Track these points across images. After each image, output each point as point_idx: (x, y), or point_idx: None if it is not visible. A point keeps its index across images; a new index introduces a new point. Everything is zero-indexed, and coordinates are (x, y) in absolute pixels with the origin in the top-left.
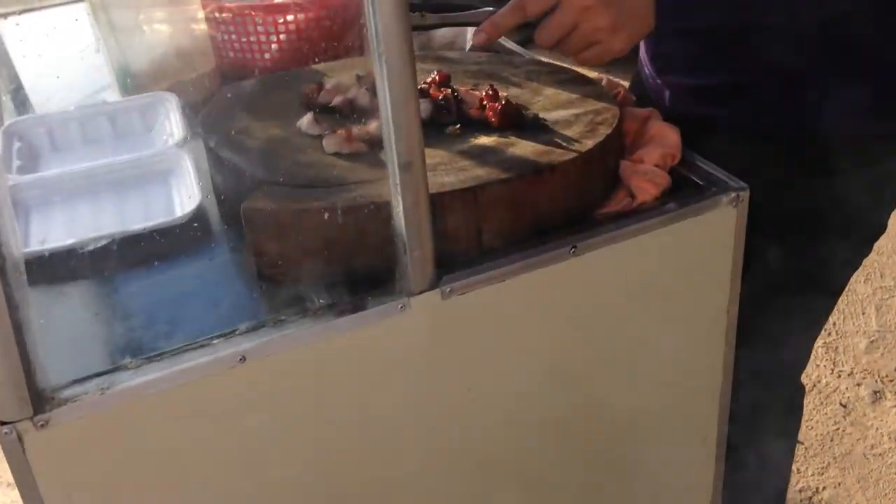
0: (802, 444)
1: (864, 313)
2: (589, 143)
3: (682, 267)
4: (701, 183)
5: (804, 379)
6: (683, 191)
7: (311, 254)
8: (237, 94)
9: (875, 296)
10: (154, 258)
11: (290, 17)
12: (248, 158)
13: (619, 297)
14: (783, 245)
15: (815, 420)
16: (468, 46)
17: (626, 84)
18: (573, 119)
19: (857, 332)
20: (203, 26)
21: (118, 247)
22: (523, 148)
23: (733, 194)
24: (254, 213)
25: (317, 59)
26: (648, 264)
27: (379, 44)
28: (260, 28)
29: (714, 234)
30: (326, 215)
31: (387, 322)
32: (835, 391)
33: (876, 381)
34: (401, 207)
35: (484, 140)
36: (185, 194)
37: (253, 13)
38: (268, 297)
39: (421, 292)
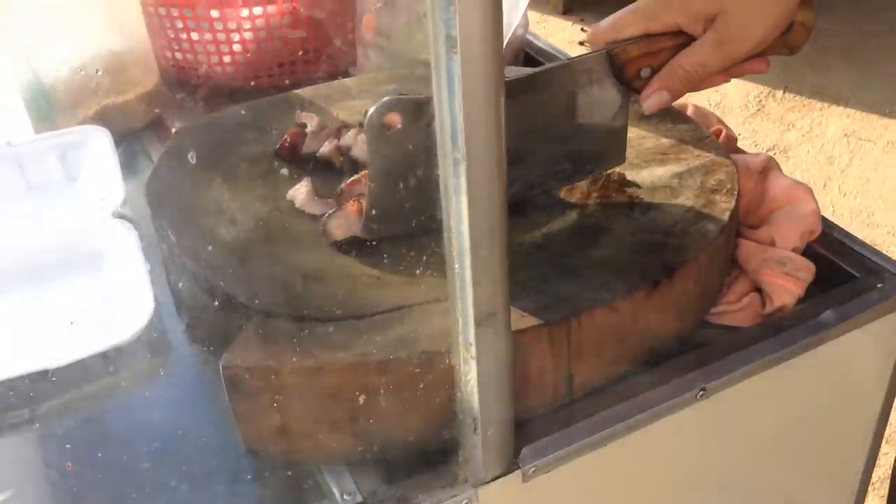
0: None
1: None
2: (710, 229)
3: (831, 389)
4: (855, 273)
5: None
6: (828, 282)
7: (329, 426)
8: (193, 144)
9: None
10: (76, 409)
11: (256, 10)
12: (222, 264)
13: (752, 439)
14: None
15: None
16: None
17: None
18: (676, 184)
19: None
20: (142, 28)
21: (20, 388)
22: (618, 240)
23: None
24: (240, 373)
25: (295, 70)
26: (792, 394)
27: (456, 143)
28: (217, 24)
29: (879, 343)
30: (352, 376)
31: None
32: None
33: None
34: (473, 374)
35: (552, 226)
36: (129, 296)
37: (202, 5)
38: (263, 488)
39: (494, 479)
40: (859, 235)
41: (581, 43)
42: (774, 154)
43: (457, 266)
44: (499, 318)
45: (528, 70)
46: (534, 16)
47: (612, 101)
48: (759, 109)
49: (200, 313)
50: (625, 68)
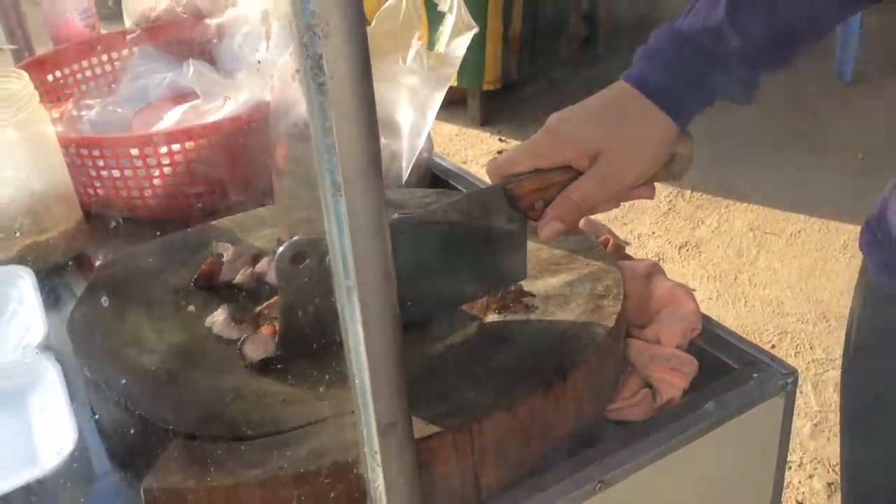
0: None
1: (801, 392)
2: (599, 332)
3: (720, 474)
4: (734, 366)
5: None
6: (712, 375)
7: None
8: (114, 277)
9: (809, 371)
10: None
11: (175, 147)
12: (143, 391)
13: None
14: None
15: None
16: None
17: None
18: (568, 292)
19: (798, 414)
20: (63, 169)
21: None
22: (515, 348)
23: (781, 382)
24: (161, 495)
25: (214, 200)
26: (683, 480)
27: (348, 273)
28: (137, 161)
29: (760, 430)
30: (268, 491)
31: None
32: (787, 486)
33: (828, 471)
34: (381, 481)
35: (454, 338)
36: (53, 428)
37: (122, 144)
38: None
39: None
40: (770, 325)
41: (499, 152)
42: (686, 250)
43: (357, 381)
44: (400, 428)
45: (432, 195)
46: (453, 128)
47: (510, 227)
48: (669, 208)
49: (123, 440)
50: (520, 200)
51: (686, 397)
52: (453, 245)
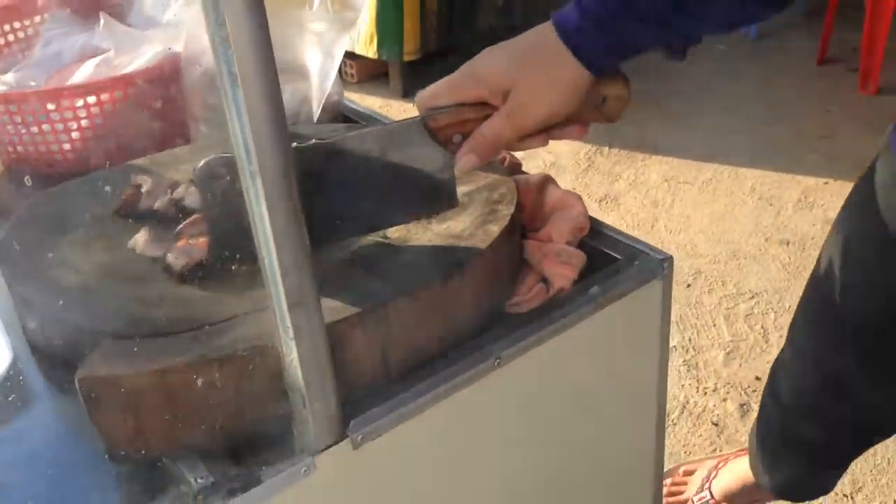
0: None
1: (714, 325)
2: (494, 230)
3: (610, 353)
4: (618, 256)
5: (672, 401)
6: (600, 268)
7: (179, 422)
8: (40, 212)
9: (721, 305)
10: None
11: (90, 99)
12: (73, 302)
13: (547, 399)
14: None
15: (693, 444)
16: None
17: None
18: (465, 200)
19: (713, 345)
20: None
21: None
22: (418, 248)
23: (657, 268)
24: (95, 383)
25: (134, 150)
26: (576, 359)
27: (250, 158)
28: (54, 115)
29: (642, 311)
30: (194, 374)
31: (289, 493)
32: (704, 410)
33: (740, 394)
34: (294, 354)
35: (362, 244)
36: None
37: (39, 99)
38: (127, 486)
39: (327, 447)
40: (685, 265)
41: None
42: (606, 203)
43: (267, 262)
44: (309, 304)
45: (341, 130)
46: (376, 101)
47: (435, 158)
48: (589, 165)
49: (55, 354)
50: (438, 133)
51: (575, 286)
52: (374, 172)
